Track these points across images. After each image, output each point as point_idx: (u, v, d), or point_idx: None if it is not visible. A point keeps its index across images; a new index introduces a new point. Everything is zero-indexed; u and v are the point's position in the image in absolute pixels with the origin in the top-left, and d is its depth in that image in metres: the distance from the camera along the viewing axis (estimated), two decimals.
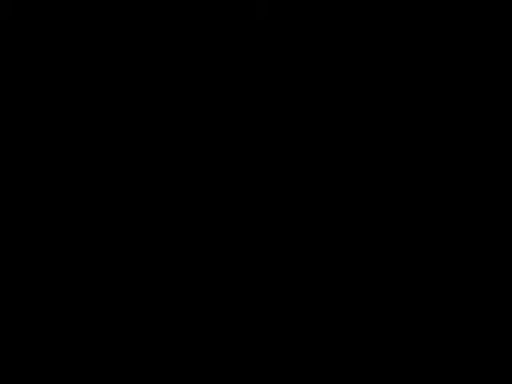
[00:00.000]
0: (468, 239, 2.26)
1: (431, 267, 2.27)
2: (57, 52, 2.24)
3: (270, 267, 2.30)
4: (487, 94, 2.24)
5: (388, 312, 2.29)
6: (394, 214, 2.28)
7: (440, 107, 2.24)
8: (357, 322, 2.28)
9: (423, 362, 2.28)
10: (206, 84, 2.24)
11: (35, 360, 2.33)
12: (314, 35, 2.23)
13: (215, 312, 2.32)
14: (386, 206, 2.28)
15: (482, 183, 2.25)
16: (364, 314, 2.29)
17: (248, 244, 2.30)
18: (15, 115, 2.26)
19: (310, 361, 2.30)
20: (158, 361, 2.39)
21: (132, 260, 2.31)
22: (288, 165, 2.28)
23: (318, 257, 2.29)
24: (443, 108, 2.23)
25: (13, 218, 2.28)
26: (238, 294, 2.32)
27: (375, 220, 2.29)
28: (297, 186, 2.28)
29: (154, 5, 2.21)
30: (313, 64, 2.23)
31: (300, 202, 2.29)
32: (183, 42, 2.23)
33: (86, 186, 2.26)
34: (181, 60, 2.24)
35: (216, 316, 2.31)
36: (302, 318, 2.30)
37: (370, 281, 2.28)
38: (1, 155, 2.25)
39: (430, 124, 2.24)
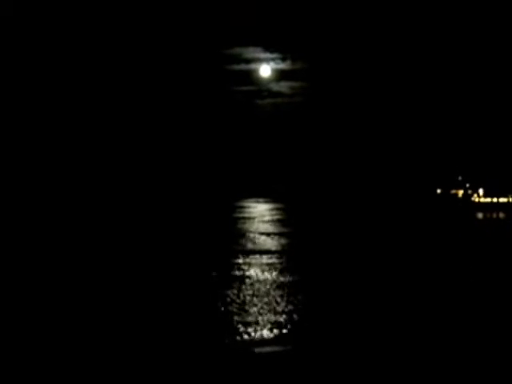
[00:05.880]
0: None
1: (428, 266, 2.27)
2: (56, 52, 2.26)
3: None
4: (487, 94, 2.24)
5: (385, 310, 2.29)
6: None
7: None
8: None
9: (423, 362, 2.28)
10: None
11: (35, 359, 2.33)
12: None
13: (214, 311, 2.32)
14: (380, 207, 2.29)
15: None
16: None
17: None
18: (15, 114, 2.29)
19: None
20: (158, 360, 2.40)
21: (131, 258, 2.32)
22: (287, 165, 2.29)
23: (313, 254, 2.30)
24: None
25: (12, 218, 2.30)
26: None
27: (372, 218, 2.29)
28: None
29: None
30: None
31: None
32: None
33: (79, 184, 2.28)
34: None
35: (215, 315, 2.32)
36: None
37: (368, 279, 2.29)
38: (1, 154, 2.27)
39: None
